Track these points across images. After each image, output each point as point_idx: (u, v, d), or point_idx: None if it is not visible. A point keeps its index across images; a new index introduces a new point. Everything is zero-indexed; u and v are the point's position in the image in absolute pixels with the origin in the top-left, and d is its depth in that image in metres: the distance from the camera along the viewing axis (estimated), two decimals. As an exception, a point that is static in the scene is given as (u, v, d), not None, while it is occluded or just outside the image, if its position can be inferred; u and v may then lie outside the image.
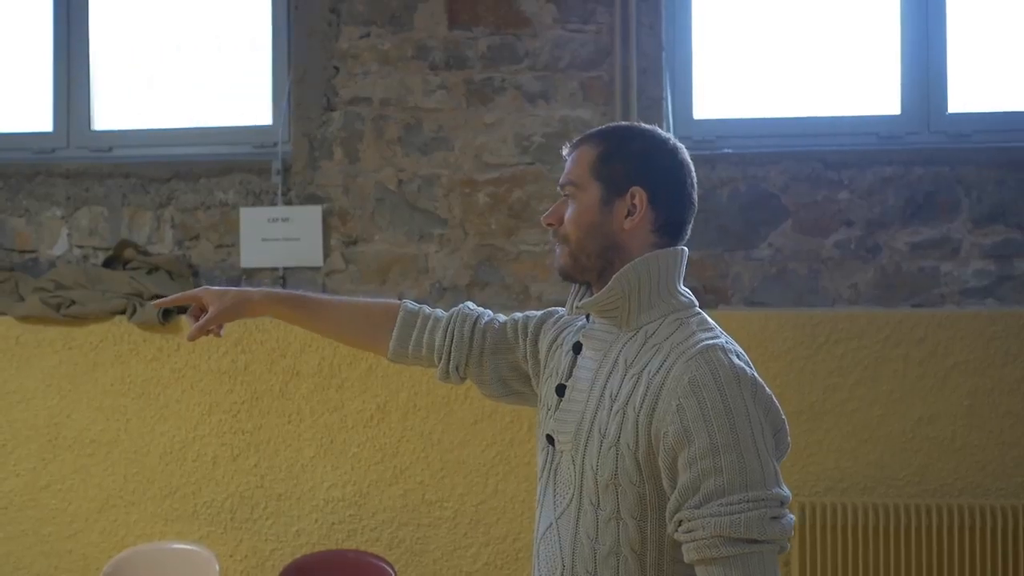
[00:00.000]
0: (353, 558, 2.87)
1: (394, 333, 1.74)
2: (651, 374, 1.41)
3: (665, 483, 1.39)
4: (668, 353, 1.41)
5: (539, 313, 1.72)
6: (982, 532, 2.74)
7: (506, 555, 2.97)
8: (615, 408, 1.43)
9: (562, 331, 1.64)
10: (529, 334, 1.69)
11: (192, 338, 1.77)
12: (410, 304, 1.77)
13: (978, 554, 2.74)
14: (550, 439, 1.54)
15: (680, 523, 1.36)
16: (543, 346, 1.67)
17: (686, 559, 1.36)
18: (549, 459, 1.54)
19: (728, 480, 1.32)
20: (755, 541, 1.31)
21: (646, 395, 1.40)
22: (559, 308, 1.71)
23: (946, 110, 3.03)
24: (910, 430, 2.87)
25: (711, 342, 1.40)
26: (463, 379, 1.75)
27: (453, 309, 1.76)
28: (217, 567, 2.74)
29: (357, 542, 3.00)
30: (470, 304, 1.77)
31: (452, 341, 1.71)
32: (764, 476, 1.34)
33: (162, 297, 3.00)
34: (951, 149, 2.99)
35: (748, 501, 1.32)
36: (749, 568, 1.31)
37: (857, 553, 2.77)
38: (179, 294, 1.84)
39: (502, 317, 1.75)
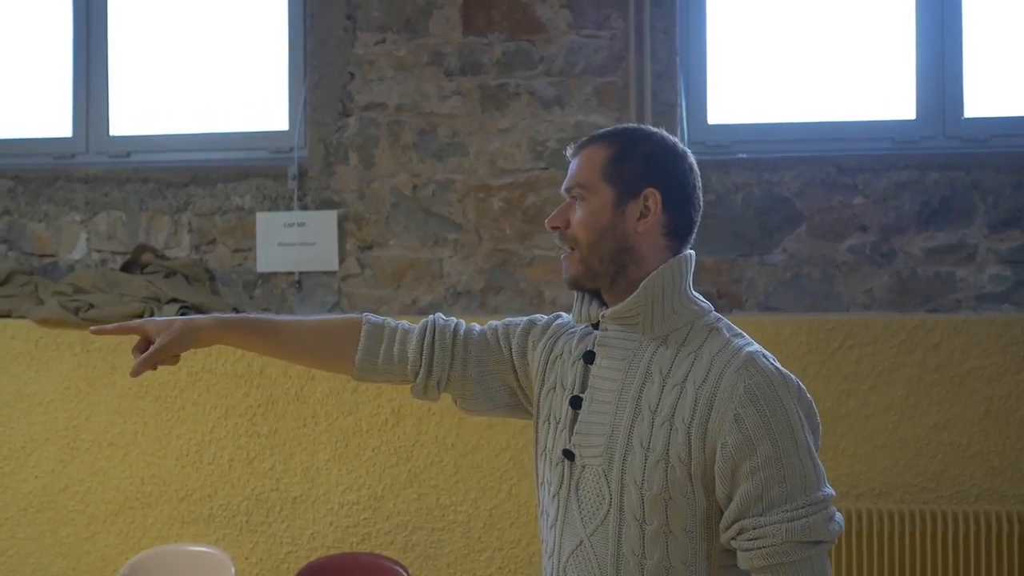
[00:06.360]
0: (367, 561, 2.87)
1: (359, 347, 1.61)
2: (697, 384, 1.39)
3: (719, 492, 1.38)
4: (711, 362, 1.40)
5: (520, 321, 1.65)
6: (998, 538, 2.72)
7: (519, 559, 2.97)
8: (659, 421, 1.40)
9: (557, 341, 1.59)
10: (514, 344, 1.62)
11: (136, 373, 1.56)
12: (373, 317, 1.65)
13: (994, 561, 2.72)
14: (568, 454, 1.48)
15: (741, 531, 1.36)
16: (536, 358, 1.60)
17: (746, 566, 1.37)
18: (567, 475, 1.48)
19: (791, 486, 1.34)
20: (820, 543, 1.35)
21: (696, 406, 1.38)
22: (541, 316, 1.65)
23: (962, 114, 3.02)
24: (925, 436, 2.86)
25: (751, 349, 1.41)
26: (440, 394, 1.66)
27: (424, 320, 1.65)
28: (233, 570, 2.75)
29: (371, 545, 3.01)
30: (441, 315, 1.66)
31: (433, 353, 1.61)
32: (818, 478, 1.37)
33: (180, 301, 3.07)
34: (967, 154, 2.97)
35: (811, 504, 1.34)
36: (814, 569, 1.35)
37: (872, 559, 2.76)
38: (120, 324, 1.62)
39: (477, 327, 1.66)
